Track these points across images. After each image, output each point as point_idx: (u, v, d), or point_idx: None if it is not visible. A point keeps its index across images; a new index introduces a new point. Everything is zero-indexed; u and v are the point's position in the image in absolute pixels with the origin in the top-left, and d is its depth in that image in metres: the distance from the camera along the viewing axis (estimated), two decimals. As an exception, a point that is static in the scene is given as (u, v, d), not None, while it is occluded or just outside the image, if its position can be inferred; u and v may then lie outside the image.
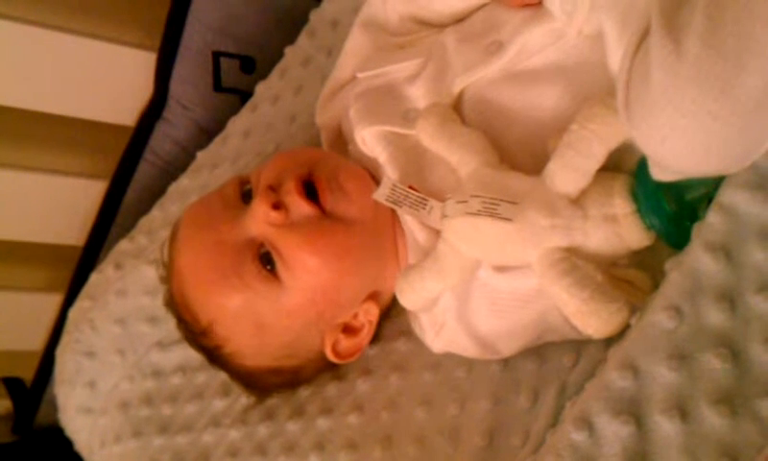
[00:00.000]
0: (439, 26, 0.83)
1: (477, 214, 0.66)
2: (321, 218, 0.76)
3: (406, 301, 0.73)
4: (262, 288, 0.77)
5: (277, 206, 0.75)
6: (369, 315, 0.81)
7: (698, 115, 0.48)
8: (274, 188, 0.76)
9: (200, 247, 0.79)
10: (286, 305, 0.77)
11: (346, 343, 0.81)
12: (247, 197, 0.79)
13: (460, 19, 0.80)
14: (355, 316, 0.81)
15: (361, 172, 0.81)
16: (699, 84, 0.47)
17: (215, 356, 0.83)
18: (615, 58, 0.60)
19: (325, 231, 0.76)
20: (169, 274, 0.84)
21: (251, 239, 0.77)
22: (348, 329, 0.81)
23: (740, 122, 0.48)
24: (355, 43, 0.87)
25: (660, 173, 0.56)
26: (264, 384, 0.85)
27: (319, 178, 0.77)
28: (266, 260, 0.76)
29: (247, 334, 0.80)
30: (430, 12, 0.82)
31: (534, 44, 0.71)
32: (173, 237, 0.83)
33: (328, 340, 0.81)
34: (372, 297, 0.81)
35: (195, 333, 0.82)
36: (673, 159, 0.52)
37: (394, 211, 0.79)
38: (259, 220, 0.76)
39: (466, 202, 0.67)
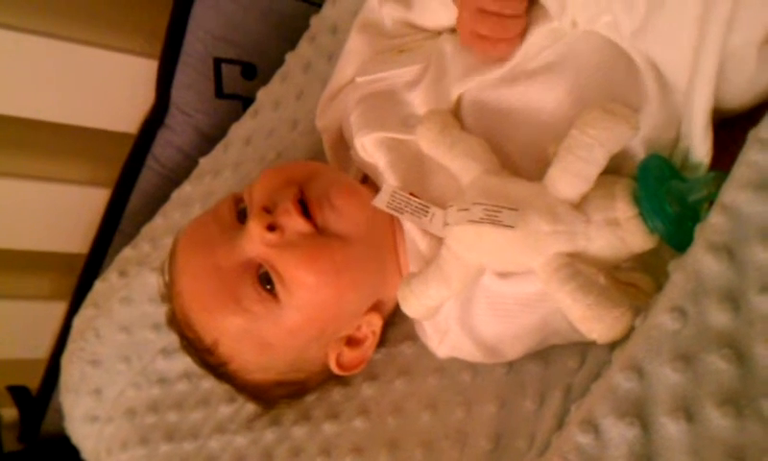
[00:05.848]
0: (433, 31, 0.83)
1: (479, 222, 0.66)
2: (315, 235, 0.75)
3: (409, 309, 0.73)
4: (262, 311, 0.76)
5: (272, 227, 0.75)
6: (372, 326, 0.81)
7: None
8: (268, 209, 0.76)
9: (198, 272, 0.79)
10: (287, 325, 0.77)
11: (350, 355, 0.81)
12: (242, 216, 0.79)
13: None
14: (358, 328, 0.81)
15: (353, 186, 0.81)
16: None
17: (220, 373, 0.83)
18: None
19: (322, 248, 0.75)
20: (170, 293, 0.83)
21: (248, 261, 0.76)
22: (352, 341, 0.81)
23: None
24: (353, 46, 0.87)
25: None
26: (270, 396, 0.85)
27: (309, 196, 0.77)
28: (265, 280, 0.76)
29: (251, 353, 0.80)
30: (422, 24, 0.83)
31: (535, 47, 0.71)
32: (172, 257, 0.83)
33: (332, 353, 0.81)
34: (375, 307, 0.80)
35: (199, 351, 0.82)
36: None
37: (393, 220, 0.79)
38: (255, 241, 0.76)
39: (467, 209, 0.67)
